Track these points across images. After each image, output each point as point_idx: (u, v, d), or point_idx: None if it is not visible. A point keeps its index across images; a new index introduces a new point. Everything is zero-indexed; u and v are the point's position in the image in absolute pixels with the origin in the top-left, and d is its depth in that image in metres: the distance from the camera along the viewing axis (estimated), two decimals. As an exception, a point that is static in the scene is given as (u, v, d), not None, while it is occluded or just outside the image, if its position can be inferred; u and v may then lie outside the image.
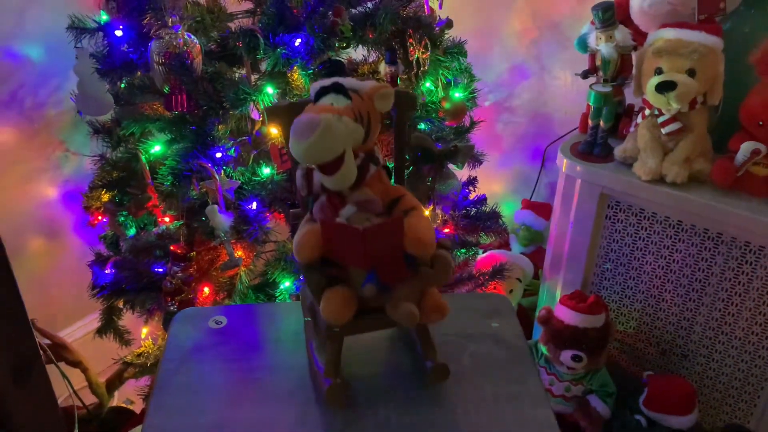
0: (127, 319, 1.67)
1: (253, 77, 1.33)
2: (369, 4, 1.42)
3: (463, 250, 1.75)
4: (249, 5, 1.45)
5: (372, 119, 0.78)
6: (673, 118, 1.34)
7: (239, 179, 1.37)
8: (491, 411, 0.90)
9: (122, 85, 1.37)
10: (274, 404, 0.91)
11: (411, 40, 1.38)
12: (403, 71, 1.42)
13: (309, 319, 0.95)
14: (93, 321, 1.77)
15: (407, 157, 1.46)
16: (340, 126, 0.74)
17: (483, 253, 1.87)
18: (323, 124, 0.72)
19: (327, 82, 0.79)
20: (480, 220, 1.67)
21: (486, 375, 0.96)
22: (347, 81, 0.79)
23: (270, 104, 1.28)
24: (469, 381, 0.94)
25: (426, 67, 1.42)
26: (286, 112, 0.85)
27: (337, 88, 0.77)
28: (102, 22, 1.36)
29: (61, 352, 1.57)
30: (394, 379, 0.93)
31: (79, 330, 1.95)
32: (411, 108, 0.90)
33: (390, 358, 0.94)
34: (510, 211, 2.13)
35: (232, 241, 1.35)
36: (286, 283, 1.43)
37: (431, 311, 0.81)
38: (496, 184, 2.26)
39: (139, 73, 1.34)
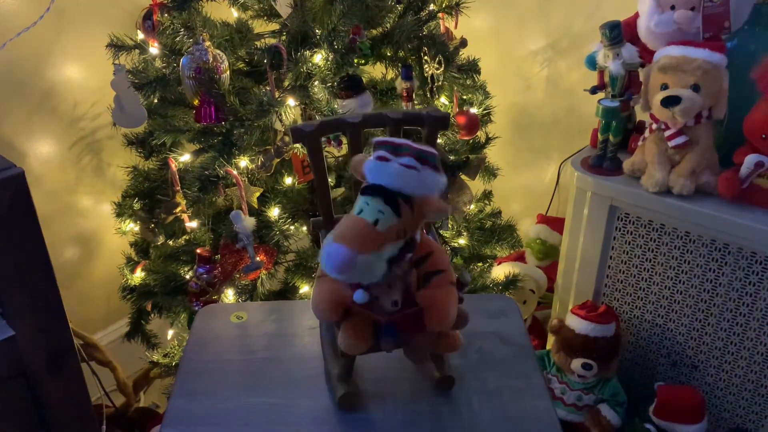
0: (155, 324, 1.73)
1: (277, 92, 1.39)
2: (387, 25, 1.47)
3: (479, 264, 1.78)
4: (275, 26, 1.50)
5: (416, 227, 0.73)
6: (679, 132, 1.37)
7: (262, 187, 1.43)
8: (494, 403, 0.95)
9: (155, 99, 1.44)
10: (288, 392, 0.96)
11: (426, 57, 1.44)
12: (419, 87, 1.48)
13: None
14: (122, 326, 1.83)
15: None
16: (379, 264, 0.68)
17: (497, 265, 1.89)
18: (360, 266, 0.67)
19: (380, 180, 0.69)
20: (495, 233, 1.71)
21: (490, 370, 1.00)
22: (400, 175, 0.69)
23: (294, 124, 1.33)
24: (474, 375, 0.99)
25: (440, 83, 1.47)
26: (310, 137, 0.91)
27: (390, 200, 0.67)
28: (138, 40, 1.45)
29: (92, 352, 1.64)
30: (402, 372, 0.98)
31: (109, 335, 2.02)
32: (443, 128, 0.96)
33: (399, 355, 0.98)
34: (527, 227, 2.14)
35: (255, 245, 1.40)
36: (305, 288, 1.47)
37: (445, 347, 0.87)
38: (514, 202, 2.27)
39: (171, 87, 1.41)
